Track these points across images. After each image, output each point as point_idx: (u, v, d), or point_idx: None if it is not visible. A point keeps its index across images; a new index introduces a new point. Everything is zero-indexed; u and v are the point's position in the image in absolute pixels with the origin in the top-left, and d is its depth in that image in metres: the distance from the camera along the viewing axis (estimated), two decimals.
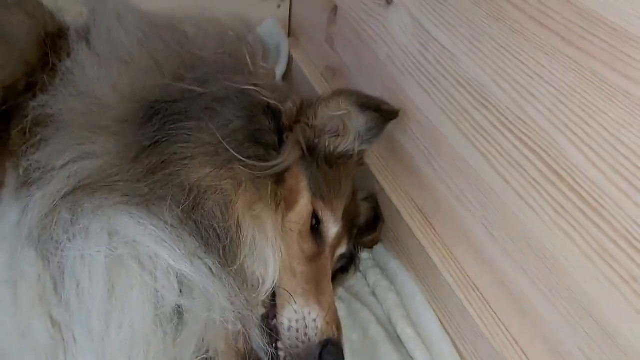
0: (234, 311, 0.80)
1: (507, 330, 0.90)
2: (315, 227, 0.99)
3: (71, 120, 0.88)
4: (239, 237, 0.83)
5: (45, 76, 0.92)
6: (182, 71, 0.94)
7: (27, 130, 0.87)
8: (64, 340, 0.76)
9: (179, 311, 0.78)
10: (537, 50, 0.76)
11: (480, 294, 0.98)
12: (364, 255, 1.19)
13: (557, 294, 0.81)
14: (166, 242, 0.78)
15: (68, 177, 0.81)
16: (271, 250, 0.87)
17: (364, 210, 1.18)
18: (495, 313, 0.94)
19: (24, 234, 0.79)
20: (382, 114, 1.06)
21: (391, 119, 1.09)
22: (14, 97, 0.92)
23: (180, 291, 0.78)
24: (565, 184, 0.76)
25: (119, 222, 0.77)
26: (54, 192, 0.79)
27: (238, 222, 0.84)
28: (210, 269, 0.80)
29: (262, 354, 0.92)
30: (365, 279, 1.14)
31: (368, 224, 1.19)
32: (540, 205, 0.80)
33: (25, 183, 0.84)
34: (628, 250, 0.69)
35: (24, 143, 0.86)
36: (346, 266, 1.16)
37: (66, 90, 0.91)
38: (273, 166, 0.91)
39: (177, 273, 0.78)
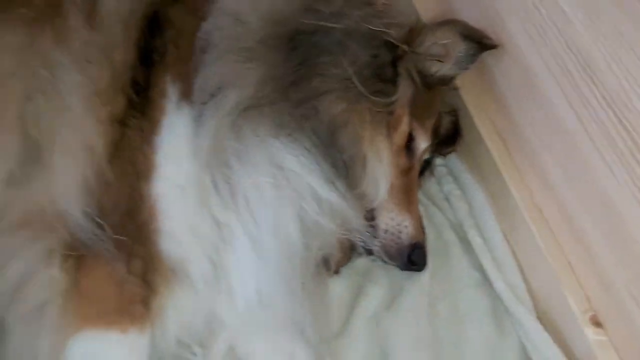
0: (353, 222, 1.01)
1: (565, 257, 1.10)
2: (408, 145, 1.15)
3: (219, 42, 1.00)
4: (364, 168, 1.00)
5: None
6: (319, 4, 1.03)
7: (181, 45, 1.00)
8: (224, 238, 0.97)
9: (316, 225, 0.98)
10: None
11: (545, 219, 1.16)
12: (438, 161, 1.37)
13: (615, 236, 0.99)
14: (311, 169, 0.95)
15: (227, 103, 0.96)
16: (384, 175, 1.05)
17: (445, 123, 1.32)
18: (556, 238, 1.13)
19: (194, 149, 0.96)
20: (483, 46, 1.17)
21: (489, 50, 1.20)
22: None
23: (318, 209, 0.97)
24: None
25: (278, 151, 0.93)
26: (218, 117, 0.94)
27: (364, 155, 1.00)
28: (342, 192, 0.98)
29: (360, 250, 1.15)
30: (439, 185, 1.33)
31: (447, 136, 1.34)
32: (619, 172, 0.94)
33: (186, 97, 0.99)
34: None
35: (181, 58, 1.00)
36: (422, 170, 1.34)
37: (215, 11, 1.02)
38: (393, 102, 1.05)
39: (318, 195, 0.96)
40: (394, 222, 1.10)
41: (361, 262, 1.16)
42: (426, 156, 1.25)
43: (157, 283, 0.93)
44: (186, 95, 0.98)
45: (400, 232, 1.10)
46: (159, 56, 0.99)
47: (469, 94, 1.30)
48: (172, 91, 0.98)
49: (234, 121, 0.94)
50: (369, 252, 1.15)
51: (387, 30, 1.05)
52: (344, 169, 0.99)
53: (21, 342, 0.88)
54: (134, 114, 0.96)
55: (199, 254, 0.95)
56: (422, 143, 1.17)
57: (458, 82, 1.27)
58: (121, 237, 0.90)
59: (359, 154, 0.99)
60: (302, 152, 0.95)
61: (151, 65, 0.98)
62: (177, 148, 0.96)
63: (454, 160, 1.35)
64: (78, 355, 0.87)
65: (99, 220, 0.90)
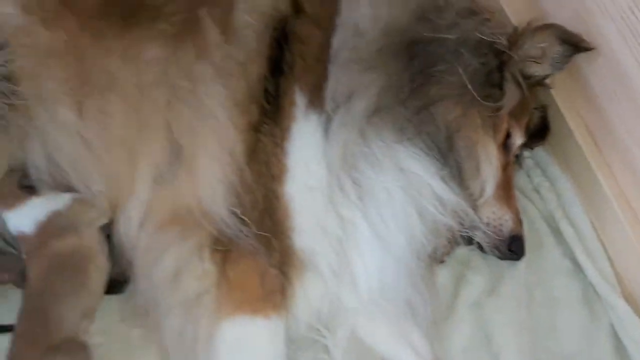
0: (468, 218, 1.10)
1: None
2: (505, 141, 1.22)
3: (342, 53, 1.08)
4: (477, 170, 1.09)
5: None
6: (432, 15, 1.11)
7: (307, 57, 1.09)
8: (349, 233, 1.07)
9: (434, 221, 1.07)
10: None
11: (633, 209, 1.24)
12: (525, 153, 1.44)
13: None
14: (430, 171, 1.04)
15: (355, 111, 1.04)
16: (493, 175, 1.13)
17: (534, 118, 1.39)
18: None
19: (322, 153, 1.05)
20: (579, 48, 1.23)
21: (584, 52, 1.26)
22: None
23: (438, 207, 1.06)
24: None
25: (402, 155, 1.01)
26: (347, 124, 1.03)
27: (477, 158, 1.08)
28: (456, 191, 1.07)
29: (461, 241, 1.23)
30: (529, 177, 1.40)
31: (536, 131, 1.41)
32: None
33: (313, 105, 1.08)
34: None
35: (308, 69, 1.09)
36: None
37: (338, 24, 1.10)
38: (502, 106, 1.12)
39: (437, 194, 1.05)
40: (496, 216, 1.18)
41: (462, 252, 1.25)
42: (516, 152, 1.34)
43: (291, 274, 1.04)
44: (313, 103, 1.07)
45: (501, 225, 1.18)
46: (288, 68, 1.08)
47: (559, 90, 1.36)
48: (300, 100, 1.07)
49: (361, 128, 1.03)
50: (469, 243, 1.23)
51: (496, 39, 1.12)
52: (457, 169, 1.08)
53: (179, 326, 1.00)
54: (266, 121, 1.06)
55: (326, 248, 1.06)
56: (518, 140, 1.24)
57: (549, 80, 1.35)
58: (263, 233, 1.01)
59: (473, 157, 1.08)
60: (422, 156, 1.04)
61: (280, 76, 1.08)
62: (306, 152, 1.06)
63: (540, 153, 1.42)
64: (230, 337, 0.98)
65: (243, 217, 1.01)
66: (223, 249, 1.02)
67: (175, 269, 1.01)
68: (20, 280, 1.09)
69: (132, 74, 1.04)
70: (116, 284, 1.10)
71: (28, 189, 1.04)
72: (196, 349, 0.99)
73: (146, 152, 1.05)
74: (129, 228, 1.07)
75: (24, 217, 1.04)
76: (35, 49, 1.04)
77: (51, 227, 1.03)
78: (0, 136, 1.03)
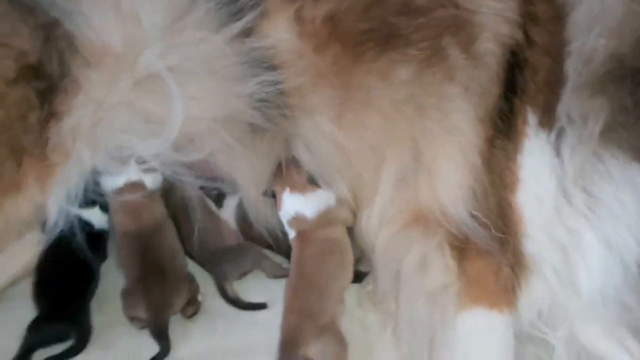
0: None
1: None
2: None
3: (572, 78, 1.19)
4: None
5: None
6: None
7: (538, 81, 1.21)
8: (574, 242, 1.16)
9: None
10: None
11: None
12: None
13: None
14: None
15: (586, 131, 1.15)
16: None
17: None
18: None
19: (551, 168, 1.16)
20: None
21: None
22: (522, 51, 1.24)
23: None
24: None
25: (636, 172, 1.11)
26: (581, 143, 1.14)
27: None
28: None
29: None
30: None
31: None
32: None
33: (542, 124, 1.19)
34: None
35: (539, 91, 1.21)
36: None
37: (566, 52, 1.21)
38: None
39: None
40: None
41: None
42: None
43: (519, 275, 1.16)
44: (542, 123, 1.18)
45: None
46: (521, 90, 1.20)
47: None
48: (532, 119, 1.19)
49: (594, 147, 1.13)
50: None
51: None
52: None
53: (424, 313, 1.13)
54: (499, 136, 1.20)
55: (552, 254, 1.16)
56: None
57: None
58: (500, 235, 1.13)
59: None
60: None
61: (514, 96, 1.20)
62: (537, 166, 1.17)
63: None
64: (468, 327, 1.11)
65: (485, 220, 1.14)
66: (461, 247, 1.15)
67: (420, 263, 1.16)
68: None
69: (387, 92, 1.22)
70: (359, 275, 1.27)
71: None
72: (435, 335, 1.12)
73: (392, 159, 1.22)
74: (370, 225, 1.24)
75: (311, 204, 1.22)
76: (306, 69, 1.24)
77: (324, 218, 1.22)
78: (273, 139, 1.25)
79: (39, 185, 1.19)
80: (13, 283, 1.29)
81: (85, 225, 1.27)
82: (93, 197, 1.28)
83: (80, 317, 1.20)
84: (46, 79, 1.20)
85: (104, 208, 1.30)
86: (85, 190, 1.26)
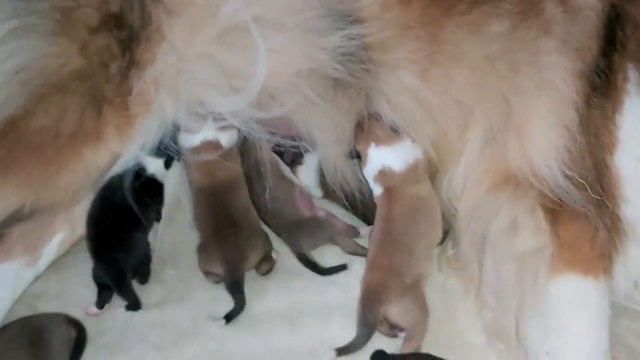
0: None
1: None
2: None
3: None
4: None
5: None
6: None
7: None
8: None
9: None
10: None
11: None
12: None
13: None
14: None
15: None
16: None
17: None
18: None
19: None
20: None
21: None
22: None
23: None
24: None
25: None
26: None
27: None
28: None
29: None
30: None
31: None
32: None
33: None
34: None
35: None
36: None
37: None
38: None
39: None
40: None
41: None
42: None
43: (616, 241, 1.09)
44: None
45: None
46: (621, 46, 1.13)
47: None
48: (633, 76, 1.11)
49: None
50: None
51: None
52: None
53: (513, 277, 1.07)
54: (596, 94, 1.12)
55: None
56: None
57: None
58: (598, 197, 1.07)
59: None
60: None
61: (613, 53, 1.13)
62: (637, 126, 1.10)
63: None
64: (561, 293, 1.04)
65: (580, 181, 1.07)
66: (554, 209, 1.09)
67: (510, 226, 1.10)
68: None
69: (478, 46, 1.16)
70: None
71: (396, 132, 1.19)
72: (524, 301, 1.06)
73: (481, 116, 1.16)
74: (454, 186, 1.19)
75: (397, 155, 1.18)
76: (391, 22, 1.18)
77: (413, 172, 1.18)
78: (354, 95, 1.20)
79: (119, 135, 1.18)
80: None
81: (139, 170, 1.24)
82: (163, 150, 1.26)
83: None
84: (127, 28, 1.18)
85: (168, 164, 1.28)
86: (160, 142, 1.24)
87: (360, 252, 1.22)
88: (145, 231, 1.24)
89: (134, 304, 1.16)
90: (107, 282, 1.17)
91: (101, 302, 1.16)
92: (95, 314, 1.15)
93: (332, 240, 1.26)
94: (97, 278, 1.18)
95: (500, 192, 1.13)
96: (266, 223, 1.29)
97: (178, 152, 1.28)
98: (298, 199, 1.30)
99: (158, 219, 1.27)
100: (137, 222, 1.22)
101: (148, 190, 1.25)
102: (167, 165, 1.29)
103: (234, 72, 1.20)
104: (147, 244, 1.23)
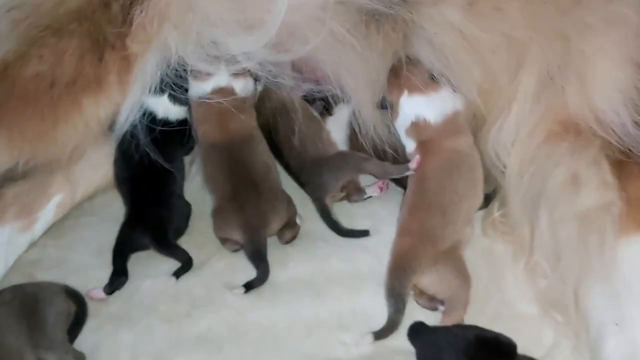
0: None
1: None
2: None
3: None
4: None
5: None
6: None
7: None
8: None
9: None
10: None
11: None
12: None
13: None
14: None
15: None
16: None
17: None
18: None
19: None
20: None
21: None
22: None
23: None
24: None
25: None
26: None
27: None
28: None
29: None
30: None
31: None
32: None
33: None
34: None
35: None
36: None
37: None
38: None
39: None
40: None
41: None
42: None
43: None
44: None
45: None
46: None
47: None
48: None
49: None
50: None
51: None
52: None
53: (575, 238, 0.93)
54: None
55: None
56: None
57: None
58: None
59: None
60: None
61: None
62: None
63: None
64: (632, 256, 0.90)
65: None
66: (622, 161, 0.95)
67: (571, 181, 0.96)
68: None
69: None
70: (486, 198, 1.06)
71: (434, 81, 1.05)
72: (588, 264, 0.92)
73: (536, 56, 1.01)
74: (503, 138, 1.04)
75: (433, 106, 1.04)
76: None
77: (451, 124, 1.04)
78: (390, 33, 1.06)
79: (120, 82, 1.06)
80: (92, 196, 1.18)
81: (149, 117, 1.12)
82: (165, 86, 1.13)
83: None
84: None
85: (174, 98, 1.14)
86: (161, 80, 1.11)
87: (395, 172, 1.08)
88: (180, 182, 1.13)
89: (187, 262, 1.04)
90: (146, 244, 1.05)
91: (112, 288, 1.02)
92: (101, 299, 1.01)
93: (360, 170, 1.12)
94: (122, 250, 1.05)
95: (558, 143, 0.99)
96: (287, 169, 1.16)
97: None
98: (325, 139, 1.16)
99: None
100: (170, 175, 1.11)
101: (168, 138, 1.13)
102: (174, 99, 1.14)
103: (249, 5, 1.06)
104: (186, 202, 1.13)
